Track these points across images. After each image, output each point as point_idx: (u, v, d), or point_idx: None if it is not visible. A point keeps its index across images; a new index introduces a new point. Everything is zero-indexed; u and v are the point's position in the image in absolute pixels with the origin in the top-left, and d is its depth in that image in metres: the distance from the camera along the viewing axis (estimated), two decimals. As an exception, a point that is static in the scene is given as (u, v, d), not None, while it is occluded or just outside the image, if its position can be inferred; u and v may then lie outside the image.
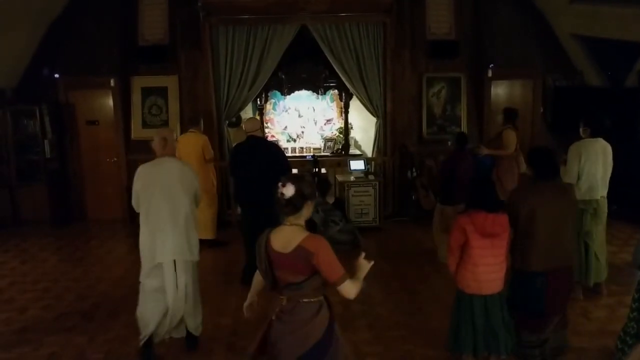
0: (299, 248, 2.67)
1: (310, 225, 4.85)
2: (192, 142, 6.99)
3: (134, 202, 4.20)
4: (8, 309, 5.39)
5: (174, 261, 4.13)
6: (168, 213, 4.07)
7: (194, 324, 4.38)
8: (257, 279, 3.01)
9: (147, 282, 4.17)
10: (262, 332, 2.90)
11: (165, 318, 4.21)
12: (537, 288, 3.70)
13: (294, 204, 2.70)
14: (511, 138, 6.87)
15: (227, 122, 8.57)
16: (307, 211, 2.77)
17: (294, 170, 7.70)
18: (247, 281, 5.73)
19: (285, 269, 2.73)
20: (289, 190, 2.68)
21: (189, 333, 4.41)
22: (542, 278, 3.68)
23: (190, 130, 7.18)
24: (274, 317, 2.83)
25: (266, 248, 2.76)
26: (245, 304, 3.07)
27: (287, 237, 2.72)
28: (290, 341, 2.77)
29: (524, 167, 7.10)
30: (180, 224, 4.11)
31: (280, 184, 2.72)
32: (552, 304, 3.74)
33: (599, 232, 5.29)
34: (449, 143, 6.45)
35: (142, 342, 4.20)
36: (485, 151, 6.87)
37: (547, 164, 3.79)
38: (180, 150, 7.02)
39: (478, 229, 3.52)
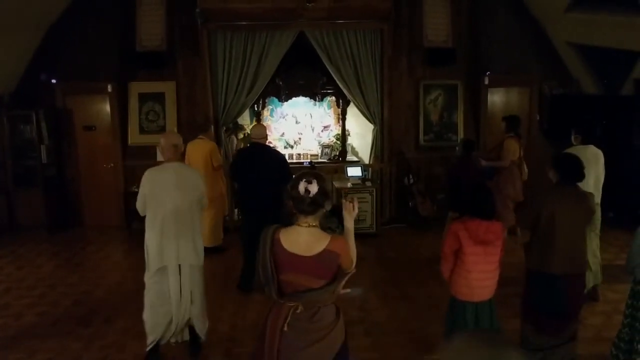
0: (326, 252, 2.54)
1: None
2: (200, 149, 6.98)
3: (139, 206, 4.19)
4: (4, 314, 5.37)
5: (179, 266, 4.16)
6: (174, 218, 4.10)
7: (202, 327, 4.39)
8: None
9: (152, 286, 4.18)
10: (270, 346, 2.59)
11: (171, 323, 4.21)
12: (559, 290, 3.72)
13: (318, 202, 2.54)
14: (512, 148, 6.85)
15: (225, 127, 8.56)
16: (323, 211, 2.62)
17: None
18: (244, 287, 5.82)
19: (304, 274, 2.54)
20: (314, 188, 2.51)
21: (193, 338, 4.41)
22: (562, 280, 3.71)
23: (200, 137, 7.18)
24: (285, 328, 2.55)
25: (272, 248, 2.54)
26: None
27: (307, 239, 2.56)
28: (317, 350, 2.59)
29: (526, 175, 7.12)
30: (186, 229, 4.15)
31: (304, 180, 2.53)
32: (573, 307, 3.78)
33: (592, 239, 5.31)
34: (457, 149, 6.47)
35: (149, 347, 4.20)
36: (483, 163, 6.87)
37: (573, 169, 3.84)
38: (188, 157, 7.04)
39: (472, 235, 3.54)
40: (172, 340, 4.38)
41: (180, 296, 4.19)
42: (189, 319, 4.30)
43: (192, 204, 4.21)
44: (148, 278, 4.19)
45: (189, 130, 8.31)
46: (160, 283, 4.16)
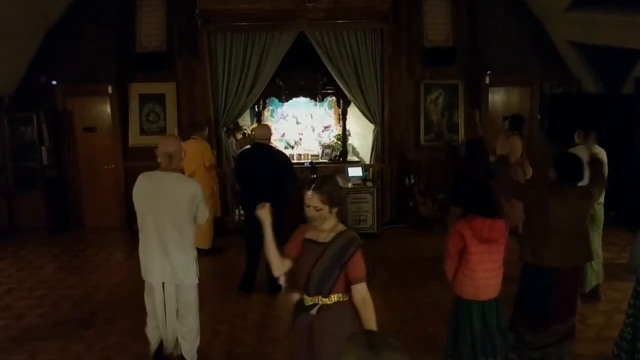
0: None
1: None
2: (193, 149, 6.97)
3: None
4: (5, 316, 5.37)
5: (163, 283, 3.93)
6: (158, 235, 3.81)
7: (188, 348, 4.11)
8: None
9: (146, 296, 4.07)
10: None
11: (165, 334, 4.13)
12: (545, 285, 3.74)
13: None
14: (517, 145, 6.86)
15: (225, 128, 8.55)
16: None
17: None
18: (245, 288, 5.79)
19: None
20: None
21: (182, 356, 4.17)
22: (552, 275, 3.73)
23: (193, 136, 7.18)
24: None
25: None
26: None
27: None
28: None
29: (530, 173, 7.11)
30: (171, 247, 3.83)
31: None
32: (558, 306, 3.77)
33: (594, 238, 5.29)
34: (462, 148, 6.49)
35: (152, 353, 4.16)
36: (492, 159, 6.89)
37: (572, 169, 3.87)
38: None
39: (476, 234, 3.53)
40: (168, 352, 4.28)
41: (165, 313, 3.98)
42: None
43: (181, 220, 3.82)
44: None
45: (190, 131, 8.31)
46: (151, 295, 4.01)
